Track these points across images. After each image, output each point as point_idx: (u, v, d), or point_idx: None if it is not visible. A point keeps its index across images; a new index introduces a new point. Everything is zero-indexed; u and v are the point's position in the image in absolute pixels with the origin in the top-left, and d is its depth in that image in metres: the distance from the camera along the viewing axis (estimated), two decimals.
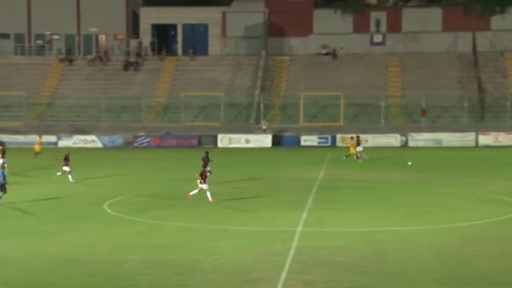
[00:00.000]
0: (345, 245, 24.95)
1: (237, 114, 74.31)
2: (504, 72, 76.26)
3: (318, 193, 37.21)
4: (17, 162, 48.06)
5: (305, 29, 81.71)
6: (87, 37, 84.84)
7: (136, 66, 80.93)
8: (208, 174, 36.05)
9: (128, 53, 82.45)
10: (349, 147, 54.38)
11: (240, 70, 79.96)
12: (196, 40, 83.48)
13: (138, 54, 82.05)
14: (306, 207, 32.56)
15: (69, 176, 41.52)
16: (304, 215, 30.50)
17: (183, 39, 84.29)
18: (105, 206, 33.25)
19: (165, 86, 78.34)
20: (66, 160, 41.93)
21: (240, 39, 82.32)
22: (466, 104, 70.41)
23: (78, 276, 20.92)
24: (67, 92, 77.32)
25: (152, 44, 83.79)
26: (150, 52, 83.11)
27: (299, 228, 27.73)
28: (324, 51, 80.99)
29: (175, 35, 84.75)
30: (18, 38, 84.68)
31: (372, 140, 66.85)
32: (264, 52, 79.59)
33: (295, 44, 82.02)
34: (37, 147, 56.49)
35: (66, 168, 41.71)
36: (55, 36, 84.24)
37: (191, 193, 34.15)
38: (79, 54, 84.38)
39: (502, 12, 79.17)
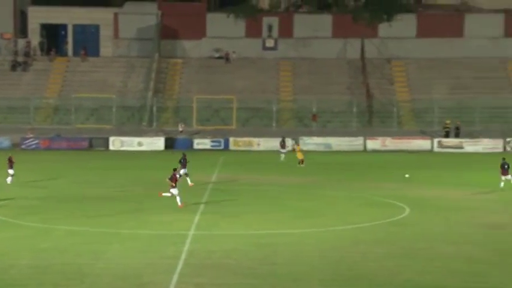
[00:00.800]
0: (236, 247, 25.18)
1: (129, 116, 73.54)
2: (391, 79, 78.57)
3: (211, 196, 37.36)
4: None
5: (198, 32, 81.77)
6: None
7: (24, 66, 78.85)
8: (184, 176, 38.52)
9: (15, 53, 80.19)
10: (296, 153, 53.55)
11: (132, 72, 79.19)
12: (88, 41, 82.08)
13: (27, 54, 79.96)
14: (199, 211, 32.65)
15: (8, 179, 41.32)
16: (196, 219, 30.58)
17: (73, 39, 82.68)
18: None
19: (55, 87, 76.67)
20: (10, 162, 41.37)
21: (133, 40, 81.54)
22: (354, 110, 72.15)
23: None
24: None
25: (41, 44, 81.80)
26: (39, 52, 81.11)
27: (191, 232, 27.79)
28: (217, 55, 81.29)
29: (66, 35, 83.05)
30: None
31: (263, 143, 67.56)
32: (157, 54, 79.11)
33: (188, 47, 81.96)
34: None
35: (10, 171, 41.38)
36: None
37: (163, 194, 33.90)
38: None
39: (389, 20, 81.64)
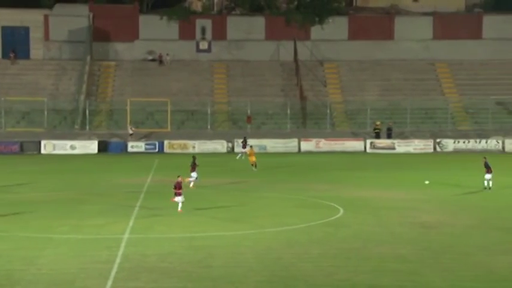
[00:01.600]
0: (171, 251, 25.03)
1: (61, 120, 72.47)
2: (324, 80, 79.38)
3: (145, 200, 37.06)
4: None
5: (131, 34, 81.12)
6: None
7: None
8: (196, 180, 39.49)
9: None
10: (249, 156, 52.51)
11: (64, 75, 78.07)
12: (17, 43, 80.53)
13: None
14: (133, 214, 32.34)
15: None
16: (131, 222, 30.28)
17: (2, 42, 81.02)
18: None
19: None
20: None
21: (64, 43, 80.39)
22: (288, 111, 72.63)
23: None
24: None
25: None
26: None
27: (126, 235, 27.51)
28: (150, 57, 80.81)
29: None
30: None
31: (198, 146, 67.44)
32: (89, 57, 78.16)
33: (121, 49, 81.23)
34: None
35: None
36: None
37: (179, 208, 32.90)
38: None
39: (321, 23, 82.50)
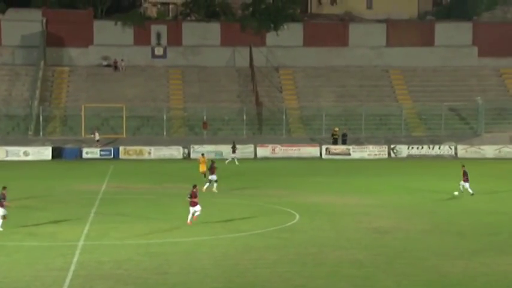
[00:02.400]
0: (127, 257, 24.93)
1: (14, 126, 71.50)
2: (279, 86, 79.68)
3: (101, 206, 36.80)
4: None
5: (85, 39, 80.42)
6: None
7: None
8: (214, 183, 40.38)
9: None
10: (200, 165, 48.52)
11: (17, 80, 77.05)
12: None
13: None
14: (88, 221, 32.11)
15: None
16: (86, 229, 30.07)
17: None
18: None
19: None
20: None
21: (17, 48, 79.36)
22: (244, 117, 72.72)
23: None
24: None
25: None
26: None
27: (81, 242, 27.31)
28: (105, 63, 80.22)
29: None
30: None
31: (154, 152, 67.13)
32: (42, 62, 77.28)
33: (75, 54, 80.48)
34: None
35: None
36: None
37: (188, 220, 31.19)
38: None
39: (276, 29, 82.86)
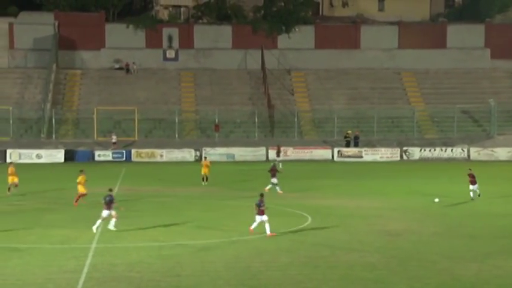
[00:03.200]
0: (140, 260, 24.95)
1: (27, 128, 71.85)
2: (291, 89, 79.70)
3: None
4: None
5: (97, 42, 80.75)
6: None
7: None
8: (276, 187, 40.68)
9: None
10: (202, 168, 48.17)
11: (29, 83, 77.44)
12: None
13: None
14: (101, 224, 32.11)
15: None
16: (98, 231, 30.11)
17: None
18: None
19: None
20: None
21: (29, 51, 79.78)
22: (256, 120, 72.76)
23: None
24: None
25: None
26: None
27: (93, 245, 27.35)
28: (117, 66, 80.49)
29: None
30: None
31: (166, 154, 67.27)
32: (54, 65, 77.66)
33: (87, 57, 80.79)
34: None
35: None
36: None
37: (251, 227, 29.59)
38: None
39: (287, 31, 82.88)
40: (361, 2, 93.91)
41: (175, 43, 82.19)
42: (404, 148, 69.23)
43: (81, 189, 38.05)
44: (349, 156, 68.54)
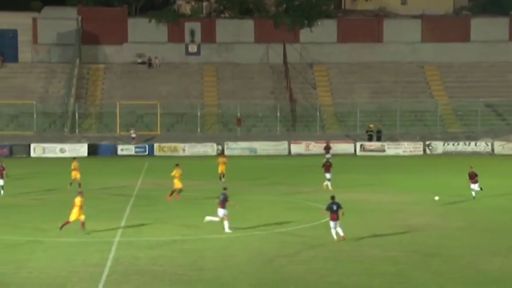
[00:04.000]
0: (163, 254, 25.07)
1: (50, 123, 72.33)
2: (313, 83, 79.53)
3: (136, 203, 37.04)
4: None
5: (120, 37, 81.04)
6: None
7: None
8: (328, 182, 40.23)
9: None
10: (219, 166, 47.19)
11: (53, 78, 77.92)
12: (5, 46, 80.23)
13: None
14: (124, 217, 32.35)
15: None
16: (122, 225, 30.29)
17: None
18: None
19: None
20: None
21: (53, 46, 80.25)
22: (278, 114, 72.70)
23: None
24: None
25: None
26: None
27: (117, 239, 27.52)
28: (140, 60, 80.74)
29: None
30: None
31: (188, 149, 67.42)
32: (78, 60, 78.07)
33: (110, 52, 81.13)
34: None
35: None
36: None
37: (340, 235, 27.50)
38: None
39: (309, 25, 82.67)
40: None
41: (198, 37, 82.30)
42: (427, 142, 68.84)
43: (177, 183, 37.31)
44: (371, 151, 68.30)
